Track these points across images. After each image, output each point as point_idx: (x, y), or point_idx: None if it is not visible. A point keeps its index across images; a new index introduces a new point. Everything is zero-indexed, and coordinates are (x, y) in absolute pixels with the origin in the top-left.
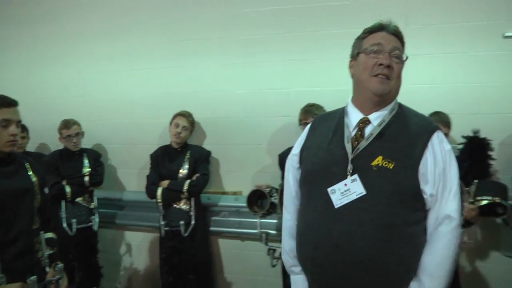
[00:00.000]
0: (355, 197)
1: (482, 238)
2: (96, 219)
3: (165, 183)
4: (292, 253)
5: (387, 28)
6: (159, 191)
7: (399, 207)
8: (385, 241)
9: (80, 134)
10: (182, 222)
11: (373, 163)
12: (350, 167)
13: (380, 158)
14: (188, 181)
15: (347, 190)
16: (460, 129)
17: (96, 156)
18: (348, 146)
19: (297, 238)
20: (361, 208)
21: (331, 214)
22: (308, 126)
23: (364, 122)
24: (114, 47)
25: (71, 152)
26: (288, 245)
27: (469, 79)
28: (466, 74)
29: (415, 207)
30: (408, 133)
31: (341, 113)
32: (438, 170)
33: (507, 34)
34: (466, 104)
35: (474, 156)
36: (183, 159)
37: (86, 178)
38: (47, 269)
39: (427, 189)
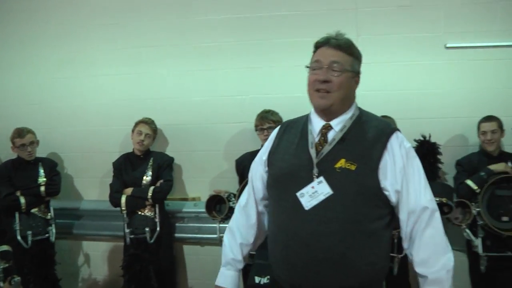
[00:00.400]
0: (323, 198)
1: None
2: (53, 230)
3: (129, 190)
4: (242, 243)
5: (328, 42)
6: (123, 198)
7: (362, 205)
8: (350, 237)
9: (35, 143)
10: (147, 229)
11: (336, 166)
12: (315, 170)
13: (343, 160)
14: (152, 188)
15: (314, 192)
16: (407, 133)
17: (52, 165)
18: (312, 151)
19: (268, 238)
20: (328, 208)
21: (300, 215)
22: (275, 131)
23: (327, 128)
24: (69, 53)
25: (26, 162)
26: (241, 237)
27: (414, 86)
28: (412, 82)
29: (378, 204)
30: (368, 136)
31: (305, 120)
32: (398, 168)
33: (449, 45)
34: (412, 109)
35: (424, 159)
36: (146, 166)
37: (42, 188)
38: (1, 284)
39: (390, 186)
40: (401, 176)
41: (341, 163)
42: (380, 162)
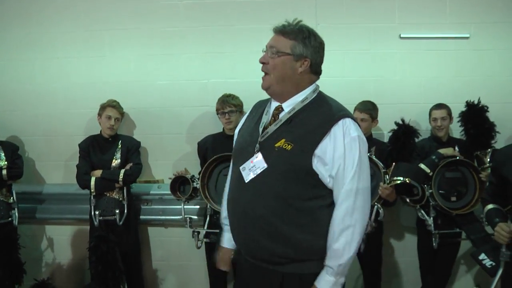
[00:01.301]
0: (260, 171)
1: (399, 217)
2: (15, 214)
3: (98, 172)
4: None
5: (275, 29)
6: (93, 180)
7: (293, 183)
8: (282, 211)
9: None
10: (117, 211)
11: (276, 145)
12: (257, 147)
13: (283, 140)
14: (123, 170)
15: (253, 167)
16: None
17: (14, 148)
18: (260, 130)
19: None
20: (263, 182)
21: (241, 186)
22: (249, 109)
23: (278, 109)
24: (30, 34)
25: None
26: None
27: (370, 73)
28: (368, 69)
29: (314, 184)
30: (315, 120)
31: (269, 102)
32: (337, 155)
33: (403, 35)
34: (368, 95)
35: (397, 141)
36: (115, 149)
37: (4, 172)
38: None
39: (326, 170)
40: (339, 163)
41: (281, 142)
42: (318, 146)
